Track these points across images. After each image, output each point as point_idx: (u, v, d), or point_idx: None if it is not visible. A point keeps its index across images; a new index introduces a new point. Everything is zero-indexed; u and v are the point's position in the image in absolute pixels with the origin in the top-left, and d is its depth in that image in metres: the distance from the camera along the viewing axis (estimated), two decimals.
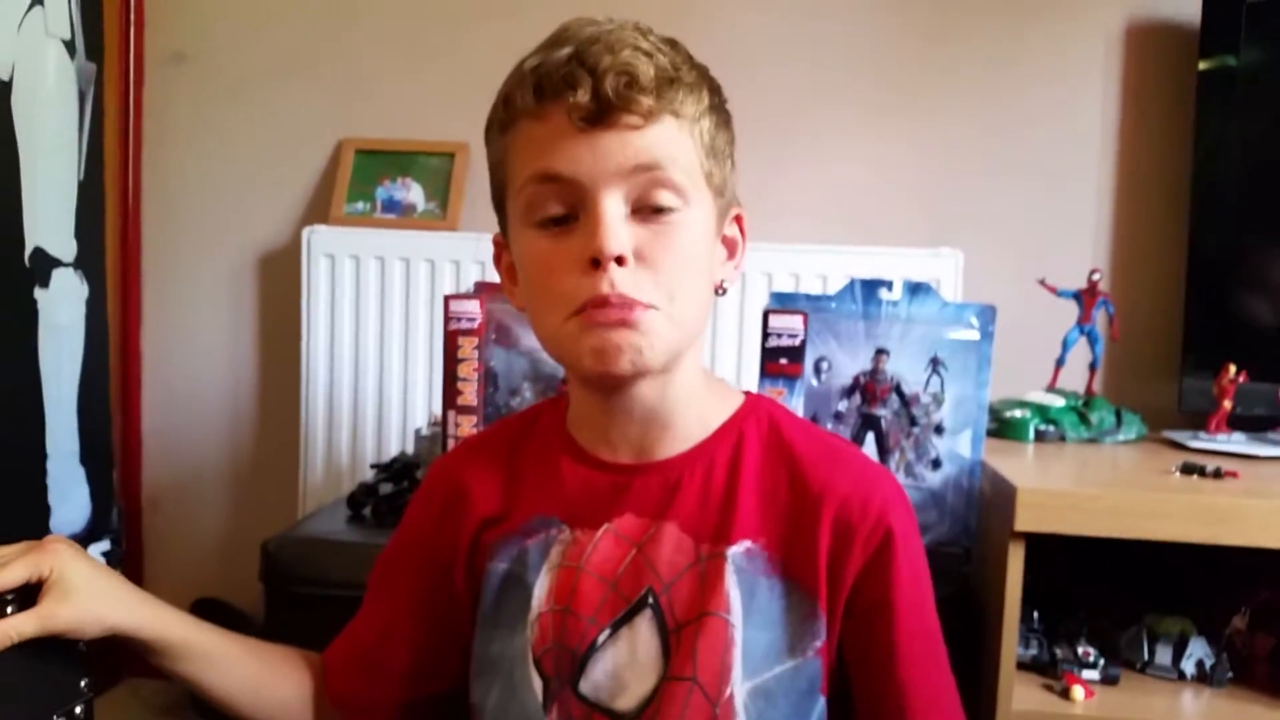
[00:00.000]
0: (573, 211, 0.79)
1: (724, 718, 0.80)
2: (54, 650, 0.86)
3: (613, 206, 0.77)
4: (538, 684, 0.84)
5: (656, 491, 0.86)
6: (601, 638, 0.83)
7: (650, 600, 0.83)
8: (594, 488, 0.88)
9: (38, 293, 1.84)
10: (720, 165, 0.84)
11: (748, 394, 0.92)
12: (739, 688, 0.80)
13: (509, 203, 0.85)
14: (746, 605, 0.82)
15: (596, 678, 0.83)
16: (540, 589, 0.86)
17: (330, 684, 0.95)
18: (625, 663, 0.82)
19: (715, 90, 0.85)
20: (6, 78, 1.71)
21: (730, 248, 0.89)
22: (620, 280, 0.77)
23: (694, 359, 0.86)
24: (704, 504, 0.85)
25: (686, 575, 0.83)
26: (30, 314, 1.83)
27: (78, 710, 0.91)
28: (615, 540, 0.85)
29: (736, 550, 0.83)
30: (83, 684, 0.91)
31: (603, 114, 0.76)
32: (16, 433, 1.82)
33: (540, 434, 0.93)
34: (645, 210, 0.79)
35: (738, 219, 0.89)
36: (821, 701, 0.83)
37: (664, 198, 0.79)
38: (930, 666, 0.86)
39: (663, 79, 0.78)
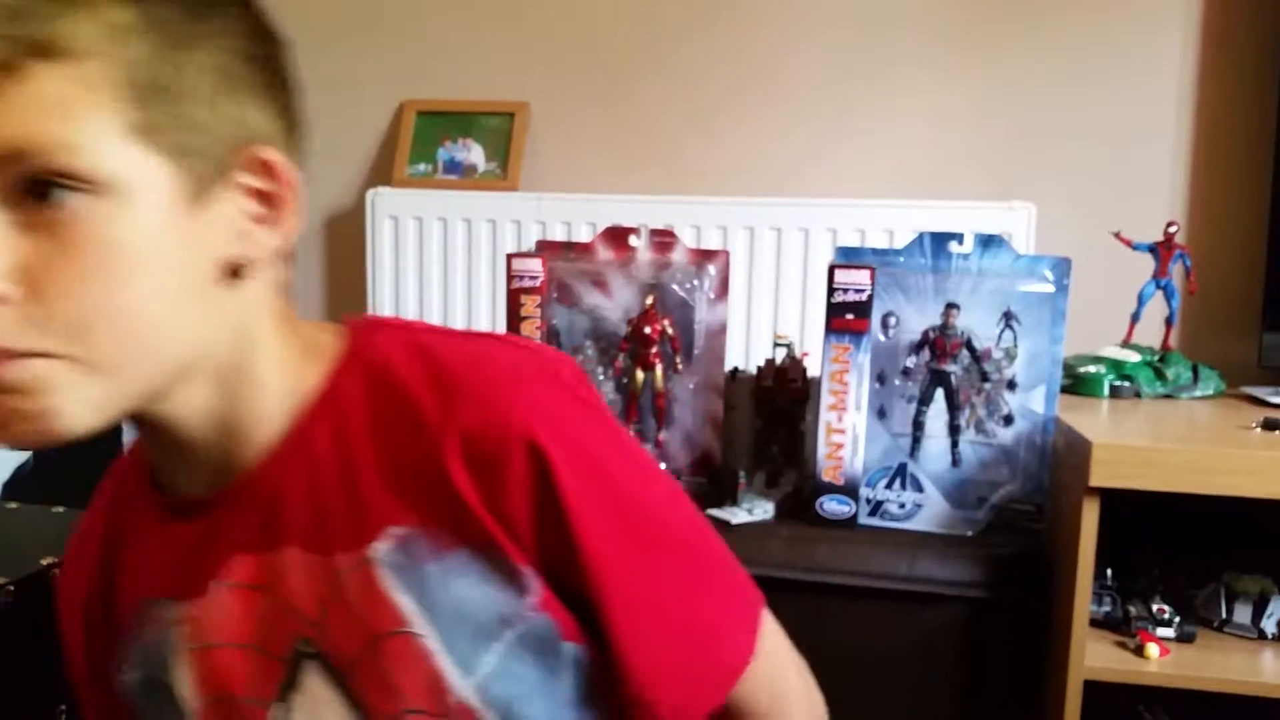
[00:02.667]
0: None
1: None
2: None
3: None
4: None
5: (257, 516, 0.64)
6: (274, 716, 0.65)
7: (307, 650, 0.64)
8: (185, 540, 0.66)
9: None
10: (184, 105, 0.56)
11: (351, 330, 0.67)
12: (464, 690, 0.63)
13: None
14: (424, 604, 0.62)
15: None
16: (183, 686, 0.67)
17: None
18: None
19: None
20: None
21: (268, 203, 0.60)
22: None
23: (245, 351, 0.63)
24: (319, 508, 0.63)
25: (334, 603, 0.63)
26: None
27: None
28: (233, 595, 0.65)
29: (382, 547, 0.62)
30: None
31: None
32: None
33: (127, 493, 0.71)
34: (27, 210, 0.53)
35: (263, 165, 0.60)
36: (572, 647, 0.66)
37: (50, 192, 0.53)
38: (657, 581, 0.66)
39: (19, 10, 0.51)
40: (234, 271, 0.60)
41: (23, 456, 1.66)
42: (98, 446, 1.91)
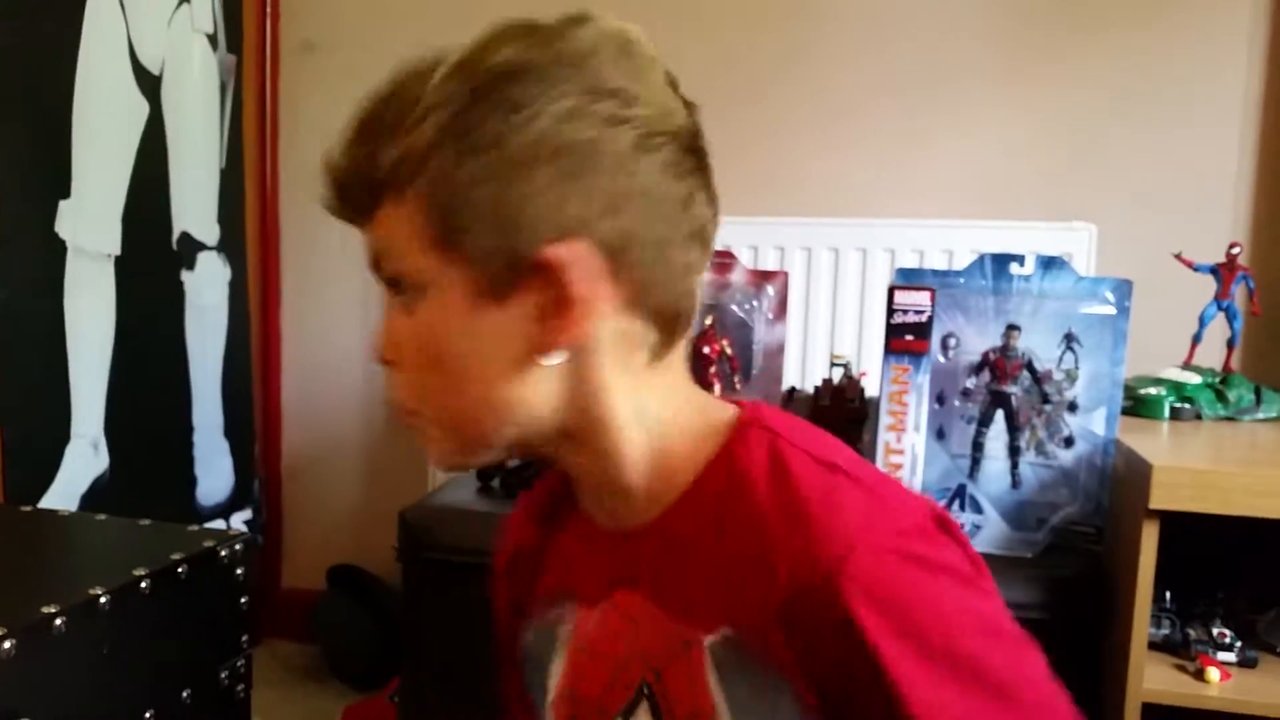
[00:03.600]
0: None
1: None
2: (220, 605, 0.91)
3: (387, 304, 0.68)
4: None
5: (643, 564, 0.70)
6: None
7: (646, 692, 0.70)
8: (594, 558, 0.74)
9: (184, 275, 1.94)
10: (477, 214, 0.62)
11: (737, 419, 0.69)
12: None
13: None
14: (732, 706, 0.65)
15: None
16: (555, 673, 0.76)
17: None
18: None
19: (474, 105, 0.63)
20: (157, 72, 1.81)
21: (562, 299, 0.63)
22: (387, 384, 0.70)
23: (595, 421, 0.67)
24: (683, 581, 0.67)
25: (672, 665, 0.68)
26: (178, 295, 1.93)
27: (239, 664, 0.97)
28: (614, 616, 0.72)
29: (714, 640, 0.65)
30: (244, 639, 0.97)
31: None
32: (165, 408, 1.93)
33: (565, 495, 0.78)
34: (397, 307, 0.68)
35: (548, 262, 0.62)
36: None
37: (397, 295, 0.67)
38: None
39: (360, 173, 0.66)
40: (542, 352, 0.64)
41: (101, 467, 1.73)
42: (170, 463, 1.95)
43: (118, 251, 1.74)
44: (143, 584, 0.88)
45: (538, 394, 0.66)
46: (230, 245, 2.08)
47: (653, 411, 0.68)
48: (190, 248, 1.96)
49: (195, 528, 1.05)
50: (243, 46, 2.12)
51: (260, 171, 2.27)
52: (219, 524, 2.05)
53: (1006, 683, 0.63)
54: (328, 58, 2.27)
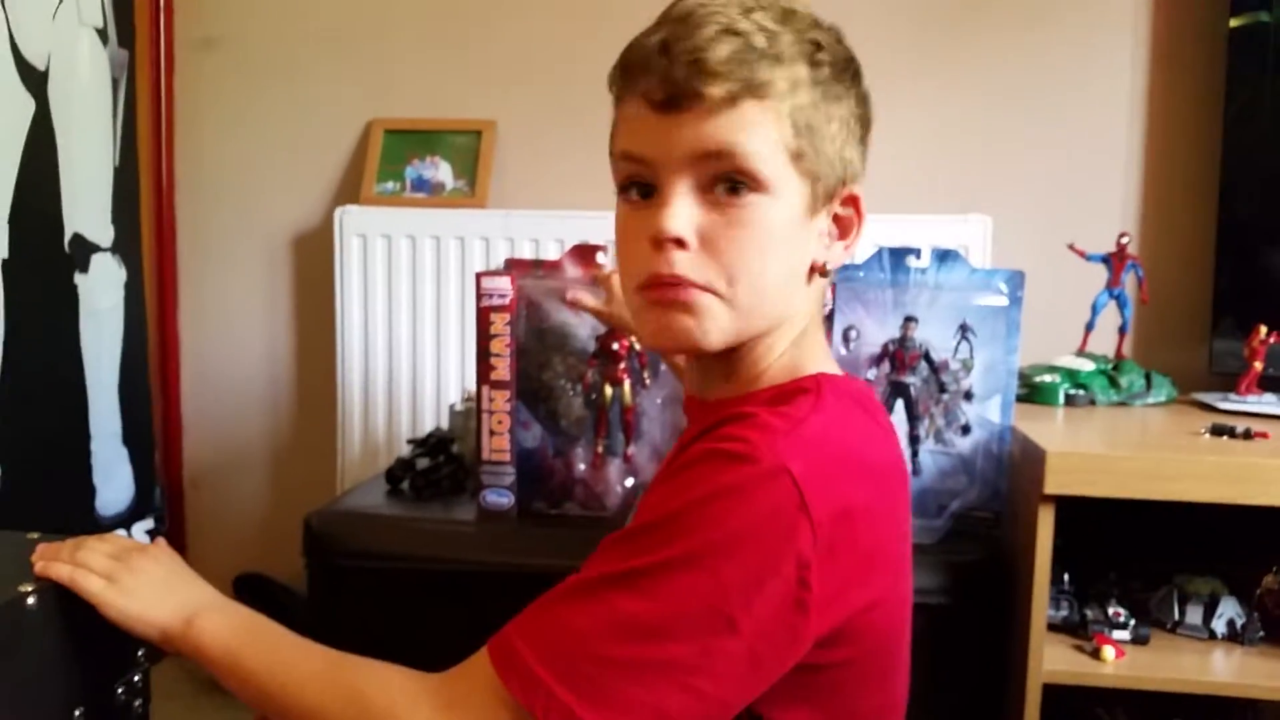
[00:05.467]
0: (654, 186, 0.80)
1: None
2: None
3: (681, 189, 0.78)
4: None
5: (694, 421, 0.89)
6: None
7: None
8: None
9: (78, 278, 1.88)
10: (819, 144, 0.80)
11: (809, 388, 0.82)
12: None
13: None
14: None
15: None
16: None
17: None
18: None
19: (824, 63, 0.80)
20: (43, 67, 1.74)
21: (843, 227, 0.85)
22: (678, 262, 0.78)
23: (781, 339, 0.84)
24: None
25: None
26: (71, 299, 1.87)
27: (136, 679, 0.94)
28: None
29: None
30: (139, 653, 0.95)
31: (671, 101, 0.77)
32: (61, 415, 1.87)
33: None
34: (718, 195, 0.78)
35: (852, 199, 0.85)
36: None
37: (734, 185, 0.78)
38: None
39: (743, 60, 0.76)
40: (816, 271, 0.84)
41: None
42: (67, 472, 1.87)
43: (5, 254, 1.67)
44: (29, 600, 0.85)
45: (805, 299, 0.85)
46: (125, 246, 2.02)
47: (808, 336, 0.86)
48: (83, 249, 1.89)
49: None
50: (135, 41, 2.06)
51: (155, 170, 2.21)
52: (120, 534, 1.99)
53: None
54: (225, 54, 2.22)
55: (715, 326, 0.79)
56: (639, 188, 0.81)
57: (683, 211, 0.77)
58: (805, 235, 0.82)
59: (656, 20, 0.80)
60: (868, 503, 0.77)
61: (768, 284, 0.80)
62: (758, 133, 0.77)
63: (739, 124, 0.77)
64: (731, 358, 0.84)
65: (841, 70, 0.82)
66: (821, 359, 0.87)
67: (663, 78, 0.77)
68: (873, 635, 0.80)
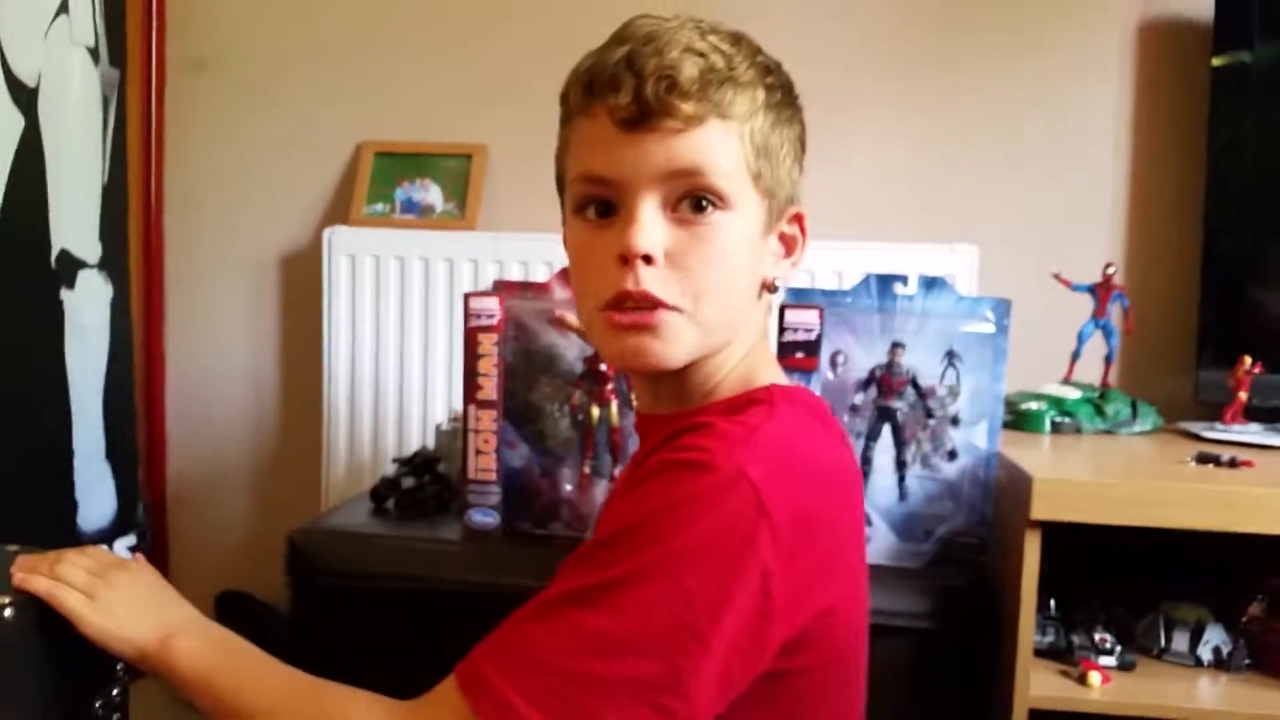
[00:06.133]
0: (615, 205, 0.81)
1: None
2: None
3: (648, 207, 0.79)
4: None
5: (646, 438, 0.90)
6: None
7: None
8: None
9: (64, 294, 1.87)
10: (774, 165, 0.84)
11: (762, 398, 0.83)
12: None
13: (565, 192, 0.87)
14: None
15: None
16: None
17: None
18: None
19: (775, 87, 0.85)
20: (33, 84, 1.74)
21: (788, 245, 0.90)
22: (646, 279, 0.78)
23: (734, 355, 0.87)
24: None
25: None
26: (57, 315, 1.86)
27: (114, 694, 0.93)
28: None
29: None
30: (119, 668, 0.94)
31: (642, 118, 0.78)
32: (44, 431, 1.85)
33: None
34: (683, 212, 0.80)
35: (798, 217, 0.90)
36: None
37: (701, 202, 0.80)
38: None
39: (708, 80, 0.78)
40: (766, 288, 0.87)
41: None
42: (49, 488, 1.84)
43: None
44: (7, 612, 0.84)
45: (755, 315, 0.88)
46: (112, 263, 2.01)
47: (758, 350, 0.89)
48: (70, 266, 1.88)
49: None
50: (126, 61, 2.06)
51: (144, 188, 2.20)
52: (101, 549, 1.96)
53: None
54: (217, 74, 2.23)
55: (680, 345, 0.81)
56: (597, 207, 0.82)
57: (651, 228, 0.78)
58: (761, 252, 0.86)
59: (611, 40, 0.81)
60: (825, 508, 0.78)
61: (731, 300, 0.83)
62: (724, 151, 0.80)
63: (707, 143, 0.79)
64: (685, 373, 0.85)
65: (789, 94, 0.88)
66: (772, 371, 0.89)
67: (634, 95, 0.77)
68: (831, 642, 0.80)
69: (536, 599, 0.75)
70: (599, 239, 0.81)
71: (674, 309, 0.79)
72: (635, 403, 0.96)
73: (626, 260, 0.78)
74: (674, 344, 0.80)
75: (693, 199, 0.79)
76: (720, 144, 0.79)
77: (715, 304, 0.81)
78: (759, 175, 0.82)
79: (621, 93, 0.78)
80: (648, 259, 0.78)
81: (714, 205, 0.80)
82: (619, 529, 0.73)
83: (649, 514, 0.72)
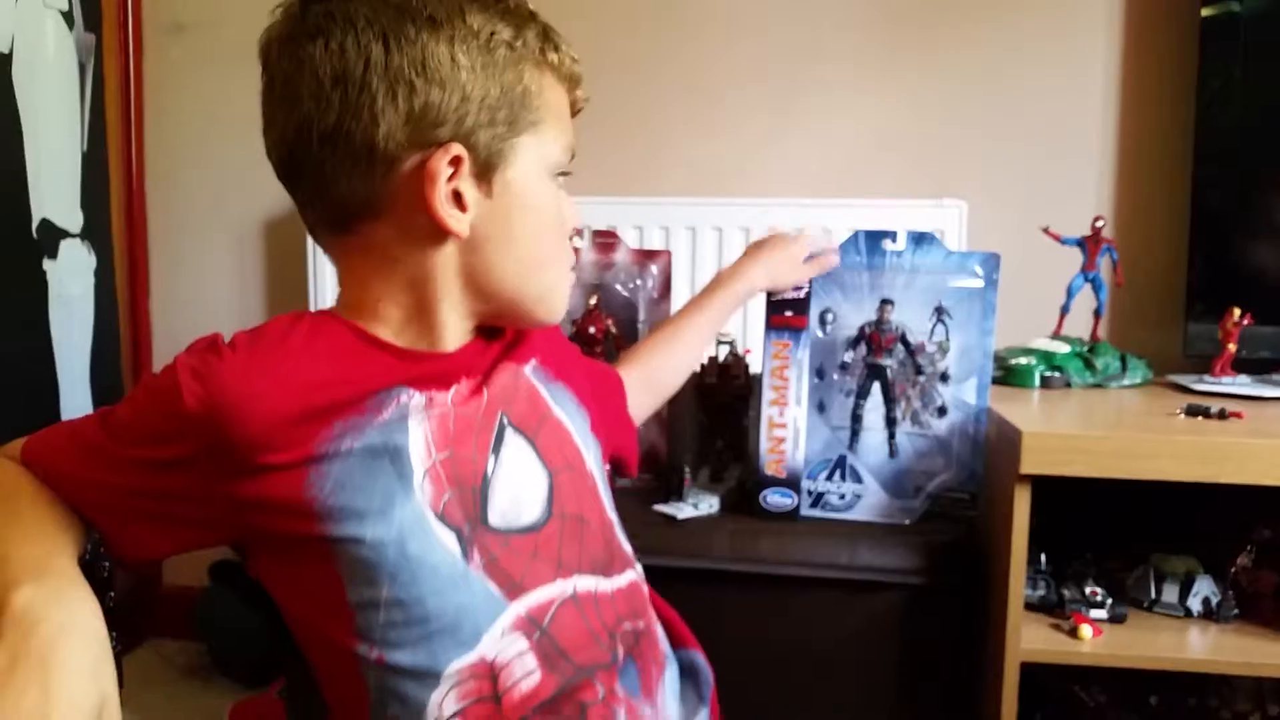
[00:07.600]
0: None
1: (593, 486, 0.92)
2: None
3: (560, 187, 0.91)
4: (449, 539, 0.80)
5: (486, 356, 0.91)
6: (490, 466, 0.84)
7: (506, 422, 0.87)
8: (427, 365, 0.86)
9: (47, 264, 1.86)
10: None
11: None
12: (590, 460, 0.93)
13: (527, 136, 0.84)
14: (553, 400, 0.93)
15: (501, 505, 0.83)
16: (418, 444, 0.81)
17: None
18: (519, 481, 0.85)
19: None
20: (6, 50, 1.72)
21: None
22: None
23: None
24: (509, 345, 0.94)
25: (517, 395, 0.89)
26: (40, 285, 1.85)
27: None
28: (466, 389, 0.86)
29: (530, 365, 0.93)
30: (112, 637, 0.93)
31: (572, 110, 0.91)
32: (30, 401, 1.84)
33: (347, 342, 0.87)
34: None
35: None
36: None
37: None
38: None
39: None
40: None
41: None
42: None
43: None
44: None
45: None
46: (95, 232, 1.99)
47: None
48: (51, 235, 1.87)
49: None
50: (102, 25, 2.03)
51: (125, 155, 2.18)
52: None
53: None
54: (196, 38, 2.19)
55: None
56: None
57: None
58: None
59: (542, 29, 0.86)
60: None
61: None
62: None
63: None
64: None
65: None
66: None
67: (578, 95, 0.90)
68: None
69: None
70: (566, 208, 0.90)
71: None
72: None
73: (576, 231, 0.93)
74: None
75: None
76: None
77: None
78: None
79: (578, 91, 0.92)
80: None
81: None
82: None
83: None
